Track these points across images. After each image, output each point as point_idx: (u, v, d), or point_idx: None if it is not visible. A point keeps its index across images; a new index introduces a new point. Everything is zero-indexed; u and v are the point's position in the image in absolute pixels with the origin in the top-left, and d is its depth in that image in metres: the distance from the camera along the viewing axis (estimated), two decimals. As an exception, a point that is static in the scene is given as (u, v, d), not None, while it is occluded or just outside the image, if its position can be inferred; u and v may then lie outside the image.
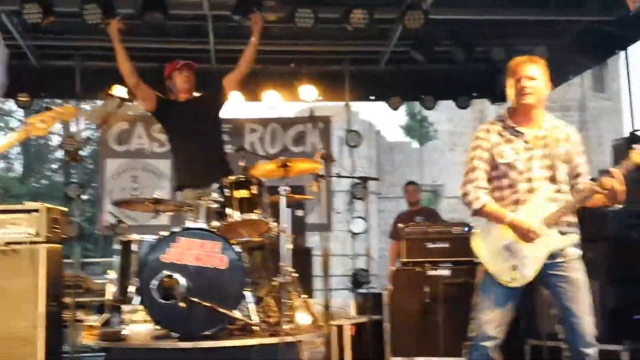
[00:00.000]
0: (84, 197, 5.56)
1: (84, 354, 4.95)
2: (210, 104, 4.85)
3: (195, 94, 4.86)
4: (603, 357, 3.31)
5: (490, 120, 3.43)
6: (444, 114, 23.66)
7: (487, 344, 3.17)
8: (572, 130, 3.34)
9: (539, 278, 3.20)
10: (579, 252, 3.23)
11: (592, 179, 3.23)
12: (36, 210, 4.47)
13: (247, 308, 3.86)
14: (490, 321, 3.17)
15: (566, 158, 3.26)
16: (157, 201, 4.19)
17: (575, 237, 3.22)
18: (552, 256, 3.18)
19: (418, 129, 27.26)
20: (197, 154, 4.62)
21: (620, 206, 3.21)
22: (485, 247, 3.24)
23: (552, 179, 3.23)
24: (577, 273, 3.19)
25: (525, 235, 3.13)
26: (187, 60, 4.89)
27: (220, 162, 4.73)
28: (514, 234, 3.18)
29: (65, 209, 4.82)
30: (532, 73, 3.24)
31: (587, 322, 3.14)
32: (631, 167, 3.07)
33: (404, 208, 7.32)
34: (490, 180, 3.31)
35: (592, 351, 3.14)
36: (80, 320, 4.85)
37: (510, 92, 3.32)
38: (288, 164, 4.19)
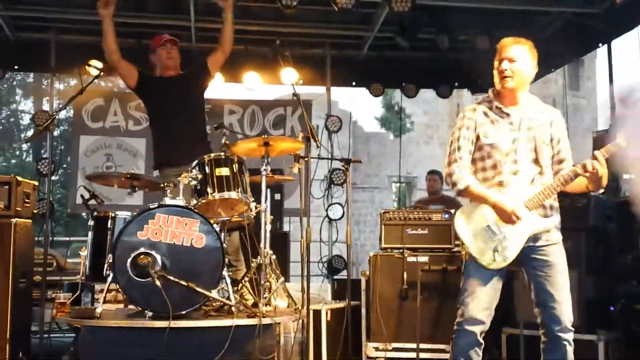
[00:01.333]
0: (54, 177, 5.39)
1: (53, 334, 4.81)
2: (195, 82, 4.77)
3: (181, 72, 4.78)
4: (579, 347, 3.31)
5: (476, 101, 3.40)
6: (420, 107, 23.74)
7: (474, 328, 3.14)
8: (557, 114, 3.33)
9: (519, 261, 3.19)
10: (560, 236, 3.22)
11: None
12: (7, 183, 4.33)
13: (225, 288, 3.78)
14: (477, 304, 3.14)
15: (550, 142, 3.25)
16: (134, 176, 4.06)
17: (556, 220, 3.21)
18: (534, 239, 3.17)
19: (394, 121, 27.30)
20: (179, 132, 4.53)
21: (602, 191, 3.22)
22: (467, 228, 3.22)
23: (536, 162, 3.21)
24: (558, 258, 3.19)
25: (508, 217, 3.11)
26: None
27: (201, 141, 4.63)
28: (496, 216, 3.15)
29: (36, 183, 4.67)
30: (513, 54, 3.21)
31: (566, 307, 3.14)
32: (614, 150, 3.05)
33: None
34: (474, 160, 3.28)
35: (569, 336, 3.14)
36: (51, 299, 4.71)
37: (494, 73, 3.29)
38: (270, 142, 4.10)
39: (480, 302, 3.15)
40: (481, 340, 3.17)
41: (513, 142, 3.21)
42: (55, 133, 8.10)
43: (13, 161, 23.73)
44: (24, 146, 23.69)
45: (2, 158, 23.70)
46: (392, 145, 23.71)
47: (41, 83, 20.09)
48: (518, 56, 3.21)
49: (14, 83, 23.16)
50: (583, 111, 23.27)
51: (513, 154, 3.20)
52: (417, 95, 8.31)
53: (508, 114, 3.25)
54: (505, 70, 3.20)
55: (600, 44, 6.66)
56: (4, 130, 23.83)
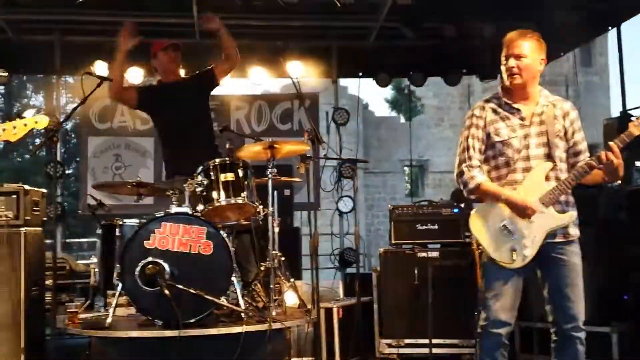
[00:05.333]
0: (68, 171, 5.40)
1: (66, 337, 4.85)
2: (199, 88, 4.68)
3: (183, 76, 4.73)
4: (592, 339, 3.29)
5: (484, 98, 3.37)
6: (430, 90, 23.58)
7: (500, 330, 3.11)
8: (569, 107, 3.28)
9: (538, 258, 3.14)
10: (577, 231, 3.18)
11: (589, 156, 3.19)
12: (15, 193, 4.34)
13: (234, 293, 3.78)
14: (502, 306, 3.11)
15: (564, 135, 3.20)
16: (140, 184, 4.07)
17: (573, 215, 3.17)
18: (552, 235, 3.12)
19: (405, 104, 27.16)
20: (186, 139, 4.44)
21: (619, 182, 3.17)
22: (483, 229, 3.18)
23: (549, 157, 3.16)
24: (576, 258, 3.16)
25: (522, 212, 3.07)
26: (170, 37, 4.75)
27: (209, 146, 4.57)
28: (511, 213, 3.11)
29: (45, 191, 4.68)
30: (520, 50, 3.16)
31: (581, 307, 3.11)
32: (629, 139, 3.01)
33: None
34: (486, 159, 3.25)
35: (582, 335, 3.12)
36: (63, 302, 4.75)
37: (502, 69, 3.25)
38: (275, 145, 4.08)
39: (504, 304, 3.11)
40: (507, 342, 3.14)
41: (525, 138, 3.17)
42: (68, 126, 8.09)
43: (27, 156, 23.86)
44: (37, 140, 23.77)
45: (16, 153, 23.85)
46: (402, 128, 23.58)
47: (51, 78, 20.13)
48: (525, 51, 3.15)
49: (24, 78, 23.21)
50: (596, 89, 22.98)
51: (525, 150, 3.16)
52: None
53: (518, 110, 3.21)
54: (513, 67, 3.15)
55: (609, 27, 6.55)
56: (16, 126, 23.90)
